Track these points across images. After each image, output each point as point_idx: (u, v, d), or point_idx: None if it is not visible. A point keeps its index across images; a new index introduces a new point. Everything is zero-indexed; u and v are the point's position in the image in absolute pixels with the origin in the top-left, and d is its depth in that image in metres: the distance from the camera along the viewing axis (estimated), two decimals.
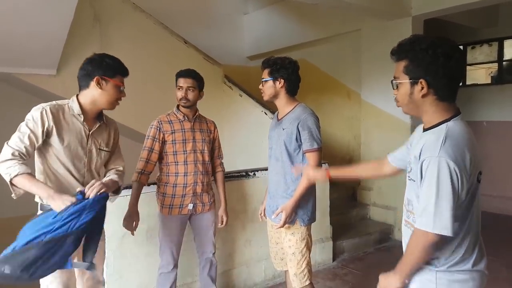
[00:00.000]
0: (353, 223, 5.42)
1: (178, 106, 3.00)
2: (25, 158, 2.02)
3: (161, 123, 2.90)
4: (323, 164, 4.30)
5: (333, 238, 4.60)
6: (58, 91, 4.28)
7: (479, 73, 7.43)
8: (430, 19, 5.33)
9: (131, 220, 2.78)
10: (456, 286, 1.51)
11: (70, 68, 4.23)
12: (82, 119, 2.22)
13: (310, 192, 2.60)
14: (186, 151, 2.89)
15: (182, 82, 2.91)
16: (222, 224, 3.08)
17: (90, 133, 2.27)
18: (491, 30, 6.66)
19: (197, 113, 3.03)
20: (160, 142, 2.87)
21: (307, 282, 2.62)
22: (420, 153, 1.49)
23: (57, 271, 1.95)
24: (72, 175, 2.20)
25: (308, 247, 2.63)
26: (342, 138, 6.49)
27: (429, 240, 1.43)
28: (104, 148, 2.36)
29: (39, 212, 2.17)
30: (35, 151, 2.12)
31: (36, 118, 2.07)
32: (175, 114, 2.97)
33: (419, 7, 5.00)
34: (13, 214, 5.19)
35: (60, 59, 4.06)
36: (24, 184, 1.96)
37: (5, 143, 2.02)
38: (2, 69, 4.02)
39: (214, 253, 3.07)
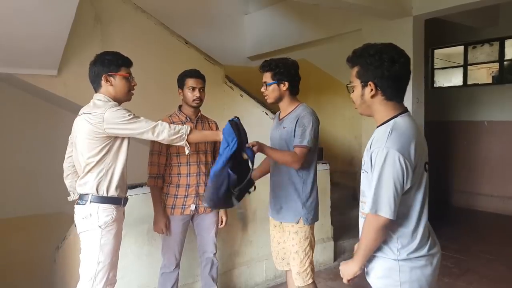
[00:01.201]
0: (354, 223, 5.30)
1: (180, 107, 3.00)
2: None
3: None
4: (323, 164, 4.33)
5: (334, 238, 4.60)
6: (59, 92, 4.28)
7: (480, 73, 7.43)
8: (431, 19, 5.32)
9: (161, 223, 2.85)
10: (417, 272, 1.64)
11: (71, 69, 4.23)
12: None
13: (313, 191, 2.61)
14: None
15: (195, 82, 2.91)
16: (222, 224, 3.08)
17: None
18: (492, 30, 6.65)
19: (199, 114, 3.03)
20: (165, 143, 2.87)
21: (310, 281, 2.63)
22: (371, 146, 1.66)
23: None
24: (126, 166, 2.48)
25: (312, 246, 2.64)
26: (343, 138, 6.48)
27: (378, 223, 1.58)
28: None
29: (89, 203, 2.33)
30: (108, 145, 2.34)
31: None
32: (177, 115, 2.97)
33: (420, 7, 4.99)
34: (13, 215, 5.21)
35: (61, 60, 4.05)
36: (195, 137, 2.49)
37: (141, 134, 2.33)
38: (2, 70, 4.02)
39: (215, 253, 3.07)
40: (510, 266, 4.38)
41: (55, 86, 4.26)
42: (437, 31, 6.48)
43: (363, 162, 1.75)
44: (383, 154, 1.56)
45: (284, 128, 2.60)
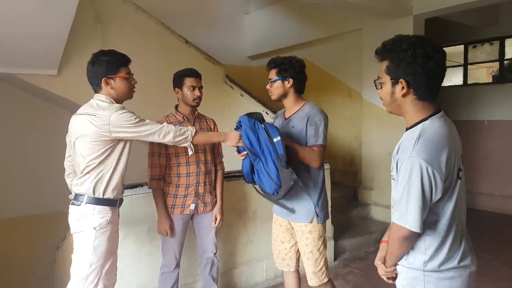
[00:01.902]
0: (354, 222, 5.41)
1: (176, 107, 2.98)
2: None
3: None
4: (324, 164, 4.32)
5: (334, 237, 4.60)
6: (59, 91, 4.29)
7: (480, 72, 7.42)
8: (431, 18, 5.32)
9: (166, 225, 2.83)
10: (445, 283, 1.55)
11: (71, 69, 4.23)
12: None
13: (323, 189, 2.62)
14: (187, 152, 2.88)
15: (194, 82, 2.89)
16: (215, 224, 3.03)
17: None
18: (492, 29, 6.65)
19: (196, 113, 3.01)
20: (164, 145, 2.85)
21: (326, 280, 2.63)
22: (397, 152, 1.55)
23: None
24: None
25: (325, 244, 2.64)
26: (343, 137, 6.48)
27: (402, 234, 1.51)
28: None
29: (85, 204, 2.31)
30: (111, 147, 2.32)
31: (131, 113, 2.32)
32: (174, 115, 2.94)
33: (420, 6, 4.99)
34: (13, 215, 5.22)
35: (61, 60, 4.06)
36: (200, 139, 2.51)
37: (147, 135, 2.33)
38: (3, 69, 4.03)
39: (215, 253, 3.06)
40: (510, 265, 4.38)
41: (55, 86, 4.26)
42: (438, 30, 6.48)
43: (391, 168, 1.63)
44: (410, 164, 1.45)
45: (293, 127, 2.58)
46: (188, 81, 2.89)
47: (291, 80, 2.56)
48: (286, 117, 2.68)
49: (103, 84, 2.33)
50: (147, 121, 2.36)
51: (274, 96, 2.64)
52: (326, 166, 4.34)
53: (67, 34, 3.74)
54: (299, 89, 2.62)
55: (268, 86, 2.63)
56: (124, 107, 2.37)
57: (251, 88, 5.80)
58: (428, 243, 1.55)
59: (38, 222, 5.21)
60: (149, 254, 3.20)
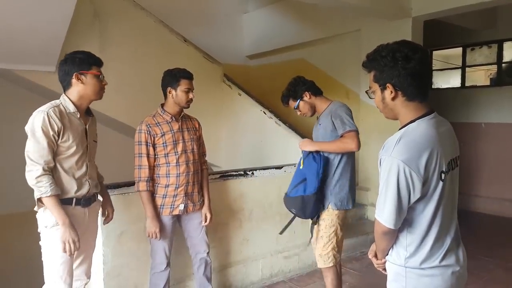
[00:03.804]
0: (350, 223, 5.40)
1: (162, 106, 2.95)
2: (51, 168, 2.25)
3: (150, 127, 2.84)
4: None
5: None
6: (56, 88, 4.23)
7: (478, 75, 7.44)
8: (430, 20, 5.34)
9: (156, 228, 2.82)
10: (425, 280, 1.61)
11: None
12: (78, 116, 2.39)
13: (341, 178, 2.85)
14: (177, 152, 2.87)
15: (190, 84, 2.89)
16: (206, 222, 3.04)
17: (87, 127, 2.44)
18: (491, 32, 6.67)
19: (182, 113, 3.00)
20: (152, 146, 2.84)
21: (330, 264, 2.92)
22: (381, 151, 1.61)
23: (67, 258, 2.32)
24: (78, 168, 2.37)
25: (336, 233, 2.92)
26: None
27: (380, 229, 1.60)
28: (96, 140, 2.57)
29: (37, 203, 2.27)
30: None
31: (45, 124, 2.19)
32: (161, 115, 2.91)
33: (419, 8, 5.00)
34: (14, 210, 5.19)
35: (59, 56, 4.03)
36: (48, 203, 2.21)
37: (27, 156, 2.19)
38: (1, 65, 4.01)
39: (208, 252, 3.06)
40: (506, 268, 4.40)
41: (53, 82, 4.22)
42: (436, 33, 6.49)
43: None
44: (388, 164, 1.51)
45: (320, 124, 2.90)
46: (184, 83, 2.87)
47: (305, 94, 2.92)
48: (318, 117, 3.03)
49: (74, 79, 2.34)
50: (43, 165, 2.18)
51: (308, 115, 3.00)
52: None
53: (66, 31, 3.73)
54: (315, 93, 2.97)
55: (298, 113, 3.02)
56: (48, 118, 2.22)
57: (249, 87, 5.80)
58: (409, 241, 1.61)
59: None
60: (146, 251, 3.19)
